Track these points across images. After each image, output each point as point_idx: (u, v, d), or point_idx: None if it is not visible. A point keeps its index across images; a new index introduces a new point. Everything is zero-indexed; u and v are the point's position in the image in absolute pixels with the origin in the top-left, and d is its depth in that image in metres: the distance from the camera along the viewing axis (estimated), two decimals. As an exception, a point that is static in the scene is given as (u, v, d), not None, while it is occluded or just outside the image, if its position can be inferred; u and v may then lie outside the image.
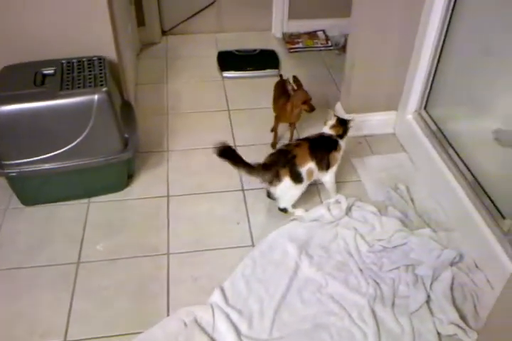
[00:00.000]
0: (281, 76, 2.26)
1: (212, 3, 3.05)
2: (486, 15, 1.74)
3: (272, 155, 1.83)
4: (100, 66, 1.84)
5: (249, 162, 1.74)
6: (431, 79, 2.04)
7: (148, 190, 2.01)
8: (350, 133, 1.94)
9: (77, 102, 1.72)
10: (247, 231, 1.83)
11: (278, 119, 2.18)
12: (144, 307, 1.57)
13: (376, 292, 1.59)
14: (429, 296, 1.57)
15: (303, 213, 1.88)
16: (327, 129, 1.91)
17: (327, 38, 3.10)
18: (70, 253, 1.74)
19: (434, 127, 2.04)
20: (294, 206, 1.88)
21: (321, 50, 3.03)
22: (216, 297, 1.58)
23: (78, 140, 1.76)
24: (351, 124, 1.92)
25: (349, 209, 1.89)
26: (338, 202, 1.90)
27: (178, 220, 1.88)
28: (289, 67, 2.83)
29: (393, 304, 1.57)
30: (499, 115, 1.75)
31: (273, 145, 2.21)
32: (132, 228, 1.85)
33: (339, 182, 2.00)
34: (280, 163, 1.77)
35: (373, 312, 1.53)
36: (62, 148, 1.76)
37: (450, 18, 1.87)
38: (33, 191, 1.90)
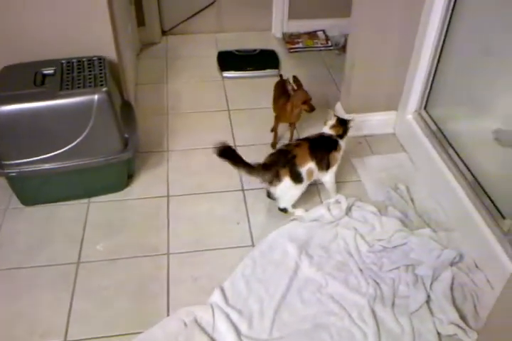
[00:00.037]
0: (281, 76, 2.26)
1: (212, 3, 3.06)
2: (486, 15, 1.74)
3: (271, 155, 1.83)
4: (100, 66, 1.84)
5: (249, 162, 1.74)
6: (431, 79, 2.04)
7: (148, 190, 2.01)
8: (350, 133, 1.94)
9: (77, 102, 1.72)
10: (247, 231, 1.83)
11: (278, 119, 2.18)
12: (143, 307, 1.58)
13: (376, 292, 1.59)
14: (429, 296, 1.57)
15: (303, 213, 1.88)
16: (327, 129, 1.90)
17: (327, 38, 3.10)
18: (69, 253, 1.74)
19: (434, 127, 2.04)
20: (294, 206, 1.88)
21: (321, 50, 3.03)
22: (216, 297, 1.58)
23: (78, 140, 1.76)
24: (351, 124, 1.92)
25: (349, 209, 1.89)
26: (338, 202, 1.90)
27: (178, 220, 1.88)
28: (289, 67, 2.83)
29: (393, 304, 1.57)
30: (499, 115, 1.75)
31: (273, 145, 2.21)
32: (132, 228, 1.85)
33: (339, 182, 2.00)
34: (280, 163, 1.77)
35: (373, 312, 1.53)
36: (62, 148, 1.76)
37: (450, 18, 1.87)
38: (32, 191, 1.90)
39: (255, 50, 2.96)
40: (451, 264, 1.67)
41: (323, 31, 3.15)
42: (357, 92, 2.19)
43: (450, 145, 1.94)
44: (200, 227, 1.85)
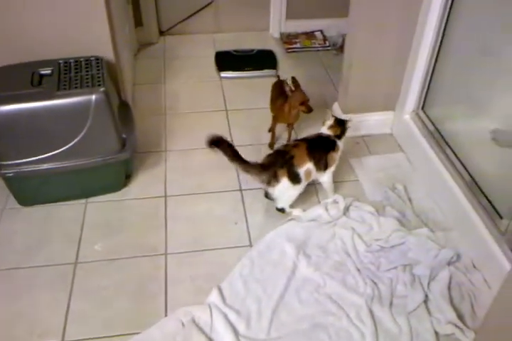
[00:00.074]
0: (278, 77, 2.26)
1: (209, 3, 3.06)
2: (484, 14, 1.74)
3: (269, 155, 1.83)
4: (98, 66, 1.84)
5: (247, 159, 1.74)
6: (428, 79, 2.04)
7: (146, 190, 2.01)
8: (348, 133, 1.94)
9: (75, 102, 1.71)
10: (245, 231, 1.83)
11: (276, 120, 2.18)
12: (141, 307, 1.57)
13: (374, 292, 1.59)
14: (426, 296, 1.58)
15: (301, 213, 1.88)
16: (325, 129, 1.91)
17: (325, 38, 3.10)
18: (67, 253, 1.74)
19: (431, 127, 2.05)
20: (292, 206, 1.88)
21: (318, 50, 3.03)
22: (214, 297, 1.58)
23: (76, 140, 1.76)
24: (349, 125, 1.92)
25: (347, 209, 1.89)
26: (335, 202, 1.90)
27: (176, 220, 1.87)
28: (286, 67, 2.83)
29: (391, 304, 1.57)
30: (497, 115, 1.76)
31: (271, 145, 2.21)
32: (130, 228, 1.85)
33: (337, 182, 2.00)
34: (278, 163, 1.77)
35: (371, 312, 1.54)
36: (60, 148, 1.76)
37: (448, 17, 1.87)
38: (30, 191, 1.89)
39: (253, 50, 2.96)
40: (449, 264, 1.67)
41: (321, 31, 3.15)
42: (354, 92, 2.20)
43: (447, 145, 1.94)
44: (198, 227, 1.85)
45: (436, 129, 2.02)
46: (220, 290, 1.60)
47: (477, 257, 1.69)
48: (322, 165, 1.85)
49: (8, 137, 1.72)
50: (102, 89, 1.73)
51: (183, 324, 1.50)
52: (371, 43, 2.04)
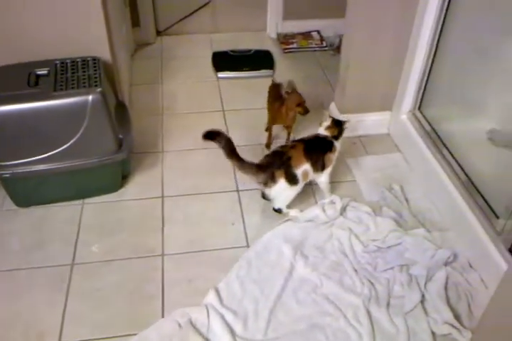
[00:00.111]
0: (273, 81, 2.26)
1: (206, 3, 3.06)
2: (480, 15, 1.74)
3: (267, 156, 1.83)
4: (94, 66, 1.83)
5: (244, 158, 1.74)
6: (425, 79, 2.05)
7: (143, 190, 2.00)
8: (345, 133, 1.94)
9: (71, 103, 1.71)
10: (242, 232, 1.83)
11: (273, 121, 2.18)
12: (138, 308, 1.57)
13: (371, 292, 1.60)
14: (423, 296, 1.58)
15: (298, 213, 1.88)
16: (322, 130, 1.91)
17: (322, 39, 3.10)
18: (64, 254, 1.73)
19: (428, 127, 2.05)
20: (289, 206, 1.88)
21: (315, 50, 3.03)
22: (211, 298, 1.57)
23: (72, 141, 1.76)
24: (347, 125, 1.92)
25: (344, 209, 1.89)
26: (332, 202, 1.90)
27: (173, 221, 1.87)
28: (283, 68, 2.83)
29: (388, 304, 1.57)
30: (493, 115, 1.76)
31: (267, 145, 2.21)
32: (127, 229, 1.84)
33: (334, 183, 2.00)
34: (275, 164, 1.77)
35: (368, 312, 1.54)
36: (56, 149, 1.76)
37: (444, 18, 1.87)
38: (26, 192, 1.89)
39: (250, 51, 2.96)
40: (446, 264, 1.67)
41: (318, 32, 3.16)
42: (351, 93, 2.20)
43: (444, 145, 1.94)
44: (195, 228, 1.85)
45: (433, 129, 2.03)
46: (217, 291, 1.60)
47: (474, 257, 1.69)
48: (319, 166, 1.85)
49: (4, 138, 1.71)
50: (98, 89, 1.73)
51: (180, 325, 1.50)
52: (368, 44, 2.05)
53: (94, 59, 1.87)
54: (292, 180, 1.79)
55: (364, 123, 2.28)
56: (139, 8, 2.90)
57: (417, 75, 2.05)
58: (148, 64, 2.86)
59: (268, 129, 2.22)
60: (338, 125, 1.90)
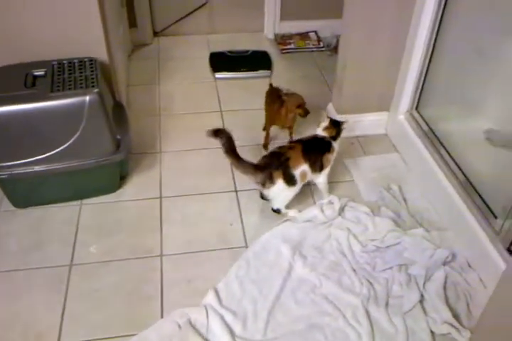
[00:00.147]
0: (271, 85, 2.25)
1: (204, 4, 3.06)
2: (477, 15, 1.75)
3: (265, 157, 1.83)
4: (91, 67, 1.83)
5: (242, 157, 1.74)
6: (422, 79, 2.05)
7: (141, 191, 2.00)
8: (343, 134, 1.94)
9: (69, 104, 1.71)
10: (241, 232, 1.83)
11: (272, 123, 2.18)
12: (137, 309, 1.57)
13: (370, 292, 1.60)
14: (422, 296, 1.58)
15: (296, 214, 1.88)
16: (320, 131, 1.91)
17: (319, 39, 3.11)
18: (62, 255, 1.73)
19: (425, 127, 2.05)
20: (288, 207, 1.88)
21: (313, 51, 3.04)
22: (210, 298, 1.57)
23: (70, 142, 1.75)
24: (345, 126, 1.92)
25: (342, 209, 1.89)
26: (331, 202, 1.90)
27: (172, 222, 1.87)
28: (281, 68, 2.83)
29: (387, 304, 1.57)
30: (490, 115, 1.77)
31: (265, 146, 2.21)
32: (125, 230, 1.84)
33: (332, 183, 2.00)
34: (273, 165, 1.77)
35: (367, 312, 1.54)
36: (54, 149, 1.75)
37: (441, 18, 1.88)
38: (24, 193, 1.88)
39: (247, 51, 2.96)
40: (444, 264, 1.67)
41: (315, 32, 3.16)
42: (349, 93, 2.20)
43: (442, 145, 1.95)
44: (193, 228, 1.85)
45: (431, 129, 2.03)
46: (216, 291, 1.60)
47: (472, 257, 1.69)
48: (317, 166, 1.85)
49: (1, 139, 1.71)
50: (95, 90, 1.72)
51: (179, 326, 1.49)
52: (365, 44, 2.05)
53: (91, 60, 1.87)
54: (290, 180, 1.79)
55: (362, 123, 2.28)
56: (135, 8, 2.90)
57: (414, 75, 2.06)
58: (146, 64, 2.86)
59: (266, 129, 2.22)
60: (336, 125, 1.91)
